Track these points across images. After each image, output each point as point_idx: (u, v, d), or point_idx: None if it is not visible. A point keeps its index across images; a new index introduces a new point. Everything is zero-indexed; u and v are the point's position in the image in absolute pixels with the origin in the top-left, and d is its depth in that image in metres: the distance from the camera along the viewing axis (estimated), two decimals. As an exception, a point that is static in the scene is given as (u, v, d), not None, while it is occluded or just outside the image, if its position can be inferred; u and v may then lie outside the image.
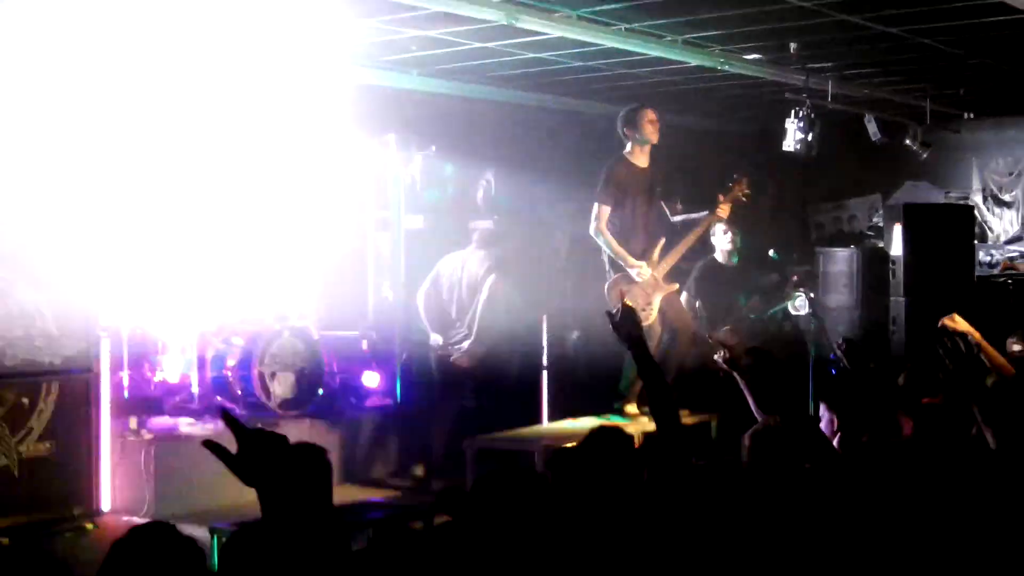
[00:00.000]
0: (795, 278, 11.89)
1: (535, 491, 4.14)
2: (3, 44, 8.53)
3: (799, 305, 10.53)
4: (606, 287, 9.84)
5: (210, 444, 3.05)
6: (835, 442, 6.03)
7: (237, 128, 10.93)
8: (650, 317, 9.75)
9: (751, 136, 14.44)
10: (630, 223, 9.87)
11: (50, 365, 8.92)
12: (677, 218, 10.22)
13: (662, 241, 9.93)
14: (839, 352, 6.42)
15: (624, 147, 9.93)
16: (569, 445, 4.79)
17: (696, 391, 10.29)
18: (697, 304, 11.33)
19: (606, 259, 9.90)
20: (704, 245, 11.21)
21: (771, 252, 11.91)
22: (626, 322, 5.02)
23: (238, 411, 10.42)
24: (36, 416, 8.83)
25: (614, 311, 5.14)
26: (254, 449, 3.07)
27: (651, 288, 9.78)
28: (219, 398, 10.85)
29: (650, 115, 9.84)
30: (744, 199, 10.24)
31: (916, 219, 12.02)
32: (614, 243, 9.74)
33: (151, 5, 8.83)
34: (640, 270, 9.74)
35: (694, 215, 10.23)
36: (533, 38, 9.86)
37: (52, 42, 8.77)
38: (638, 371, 4.76)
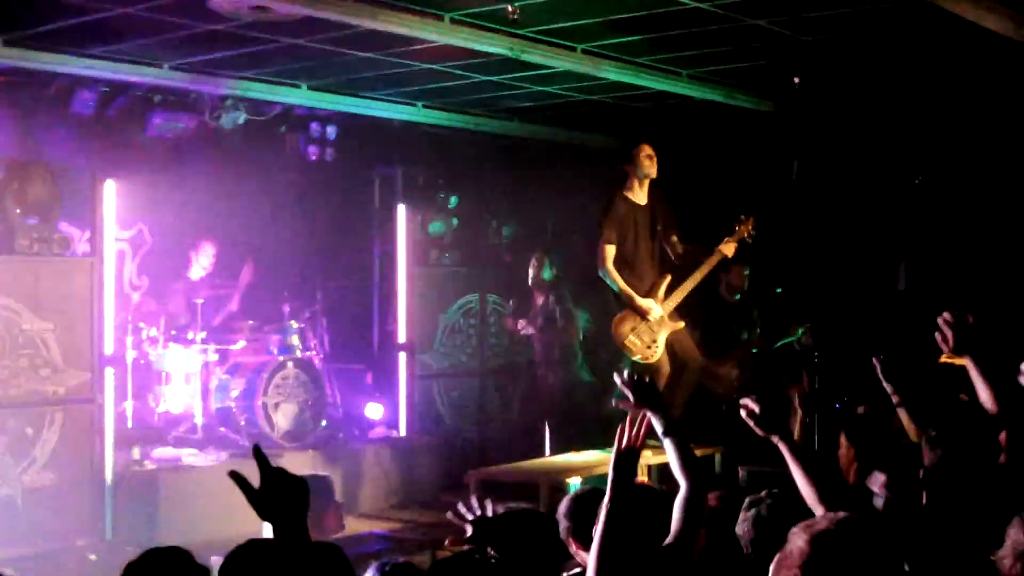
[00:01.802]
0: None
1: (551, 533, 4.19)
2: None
3: (804, 341, 10.53)
4: (613, 323, 9.83)
5: (235, 475, 3.11)
6: (851, 473, 6.00)
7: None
8: (655, 355, 9.74)
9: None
10: (633, 260, 9.87)
11: (54, 395, 8.95)
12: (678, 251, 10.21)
13: (668, 278, 9.92)
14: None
15: (624, 184, 9.92)
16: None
17: (699, 423, 10.29)
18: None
19: (611, 296, 9.89)
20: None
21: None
22: (646, 393, 4.88)
23: (241, 441, 10.44)
24: (40, 446, 8.85)
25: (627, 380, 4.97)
26: (275, 487, 3.12)
27: (658, 325, 9.76)
28: (222, 429, 10.87)
29: (646, 150, 9.83)
30: (749, 240, 10.23)
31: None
32: (620, 282, 9.71)
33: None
34: (650, 310, 9.71)
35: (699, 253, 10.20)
36: (538, 72, 9.90)
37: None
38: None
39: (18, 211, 9.08)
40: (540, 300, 12.06)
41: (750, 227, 10.18)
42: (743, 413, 4.67)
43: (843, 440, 6.40)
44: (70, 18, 8.36)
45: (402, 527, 10.23)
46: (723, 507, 4.95)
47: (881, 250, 11.67)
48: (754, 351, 11.35)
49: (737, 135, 12.29)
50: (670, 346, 9.87)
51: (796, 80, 10.29)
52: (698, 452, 9.67)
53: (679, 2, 7.99)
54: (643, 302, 9.70)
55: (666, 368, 9.84)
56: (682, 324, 9.94)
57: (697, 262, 10.07)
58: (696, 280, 10.05)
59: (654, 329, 9.74)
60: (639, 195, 9.86)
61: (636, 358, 9.67)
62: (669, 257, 10.12)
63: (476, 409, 12.48)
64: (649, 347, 9.70)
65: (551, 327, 11.97)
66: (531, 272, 12.05)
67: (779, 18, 8.46)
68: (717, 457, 10.48)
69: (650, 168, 9.79)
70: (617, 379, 4.82)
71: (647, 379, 4.86)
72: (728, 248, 10.02)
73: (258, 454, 3.18)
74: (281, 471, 3.16)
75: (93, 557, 8.92)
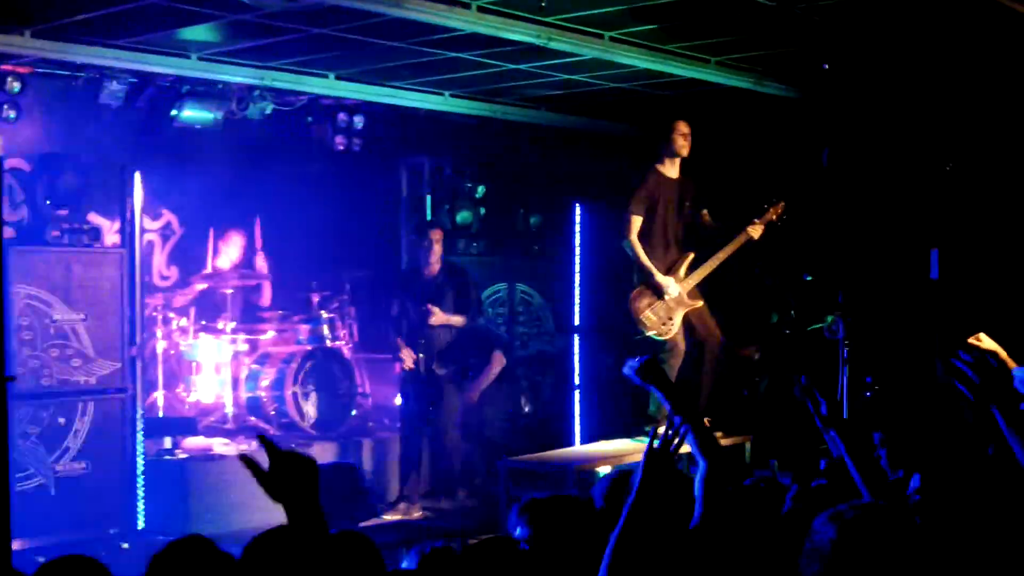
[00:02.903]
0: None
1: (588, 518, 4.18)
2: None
3: (834, 328, 10.48)
4: (631, 296, 9.78)
5: (245, 459, 3.13)
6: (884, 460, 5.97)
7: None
8: (671, 332, 9.69)
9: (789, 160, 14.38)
10: (659, 235, 9.82)
11: (86, 385, 8.98)
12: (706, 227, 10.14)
13: (690, 256, 9.86)
14: None
15: (656, 159, 9.89)
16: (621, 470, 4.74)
17: (729, 412, 10.26)
18: None
19: (634, 270, 9.83)
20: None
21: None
22: (649, 370, 4.87)
23: (271, 432, 10.46)
24: (72, 436, 8.89)
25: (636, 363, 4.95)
26: (284, 468, 3.13)
27: (675, 303, 9.69)
28: (252, 418, 10.90)
29: (682, 128, 9.80)
30: (778, 223, 10.17)
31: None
32: (643, 255, 9.65)
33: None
34: (668, 286, 9.66)
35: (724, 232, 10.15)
36: (565, 59, 9.88)
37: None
38: (672, 408, 4.62)
39: (48, 202, 9.11)
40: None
41: (780, 211, 10.12)
42: (809, 405, 4.66)
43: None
44: (97, 9, 8.38)
45: (432, 515, 10.24)
46: (758, 492, 4.92)
47: (912, 237, 11.60)
48: (786, 332, 11.30)
49: (766, 122, 12.24)
50: (688, 325, 9.82)
51: (825, 66, 10.24)
52: (727, 441, 9.75)
53: (707, -12, 7.97)
54: (662, 279, 9.64)
55: (681, 346, 9.79)
56: (701, 303, 9.87)
57: (723, 241, 10.01)
58: (719, 260, 9.97)
59: (671, 306, 9.67)
60: (670, 170, 9.83)
61: (651, 334, 9.63)
62: (694, 234, 10.07)
63: (505, 398, 12.46)
64: (664, 324, 9.65)
65: None
66: None
67: (808, 4, 8.42)
68: (747, 446, 10.45)
69: (683, 147, 9.77)
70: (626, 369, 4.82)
71: (653, 358, 4.86)
72: (755, 230, 9.96)
73: (263, 441, 3.20)
74: (290, 453, 3.18)
75: (125, 546, 8.96)
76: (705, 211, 10.06)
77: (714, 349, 9.96)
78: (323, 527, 3.15)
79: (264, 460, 3.15)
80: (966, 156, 11.40)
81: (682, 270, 9.78)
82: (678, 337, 9.75)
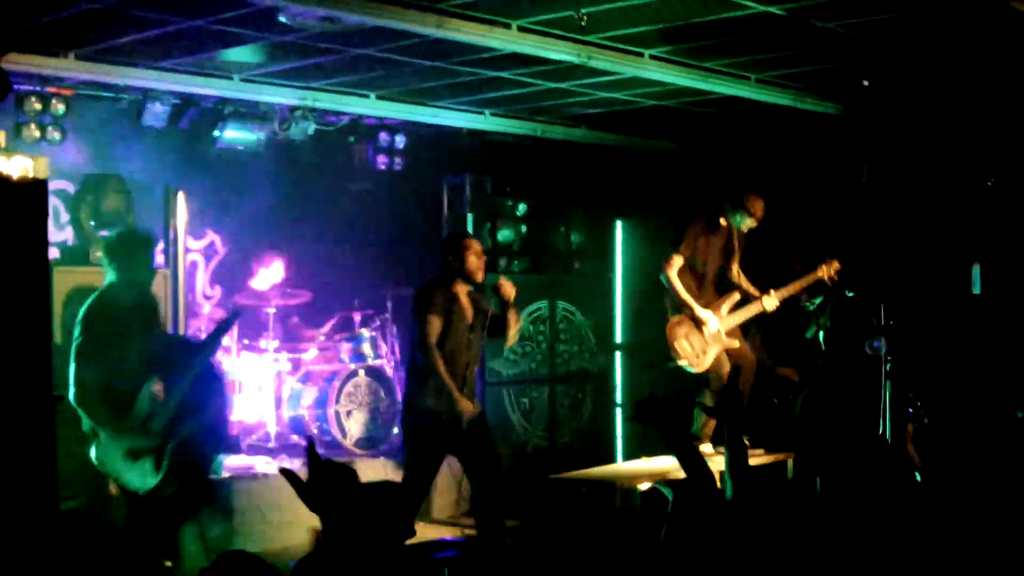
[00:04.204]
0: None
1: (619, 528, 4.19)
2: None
3: (875, 346, 10.43)
4: (669, 323, 9.77)
5: (285, 471, 3.16)
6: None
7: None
8: (703, 365, 9.67)
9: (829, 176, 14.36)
10: (701, 272, 9.81)
11: (129, 404, 9.01)
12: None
13: (736, 297, 9.84)
14: None
15: (717, 211, 9.84)
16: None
17: (772, 430, 10.22)
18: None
19: (667, 301, 9.82)
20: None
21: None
22: (654, 411, 4.92)
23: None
24: (117, 455, 8.91)
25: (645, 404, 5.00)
26: (322, 478, 3.16)
27: (712, 338, 9.67)
28: (295, 437, 10.94)
29: (758, 209, 9.77)
30: (830, 284, 10.16)
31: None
32: (682, 291, 9.59)
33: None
34: (708, 321, 9.63)
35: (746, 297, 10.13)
36: (605, 78, 9.89)
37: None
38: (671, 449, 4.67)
39: (92, 223, 9.18)
40: None
41: (833, 271, 10.08)
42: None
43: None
44: (141, 31, 8.46)
45: (474, 533, 10.24)
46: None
47: (954, 253, 11.55)
48: (822, 348, 11.27)
49: (806, 138, 12.22)
50: (722, 356, 9.77)
51: (865, 82, 10.22)
52: (768, 459, 9.74)
53: (747, 6, 7.96)
54: (702, 313, 9.59)
55: (725, 370, 9.74)
56: (737, 344, 9.83)
57: (745, 302, 9.98)
58: (750, 315, 9.96)
59: (708, 341, 9.66)
60: (723, 223, 9.81)
61: (682, 363, 9.62)
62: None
63: (547, 416, 12.46)
64: (698, 356, 9.63)
65: None
66: None
67: (848, 21, 8.41)
68: (789, 463, 10.40)
69: (747, 225, 9.77)
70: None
71: (650, 398, 4.88)
72: (769, 302, 9.88)
73: (310, 448, 3.22)
74: (329, 463, 3.19)
75: (168, 564, 8.98)
76: (736, 265, 10.03)
77: (749, 372, 9.91)
78: (360, 538, 3.17)
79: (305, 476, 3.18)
80: (1007, 171, 11.36)
81: (724, 308, 9.74)
82: (722, 368, 9.70)
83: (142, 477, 7.39)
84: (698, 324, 9.61)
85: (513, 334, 8.59)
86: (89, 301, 7.46)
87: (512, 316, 8.39)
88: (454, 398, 7.99)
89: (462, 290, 8.24)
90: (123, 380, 7.40)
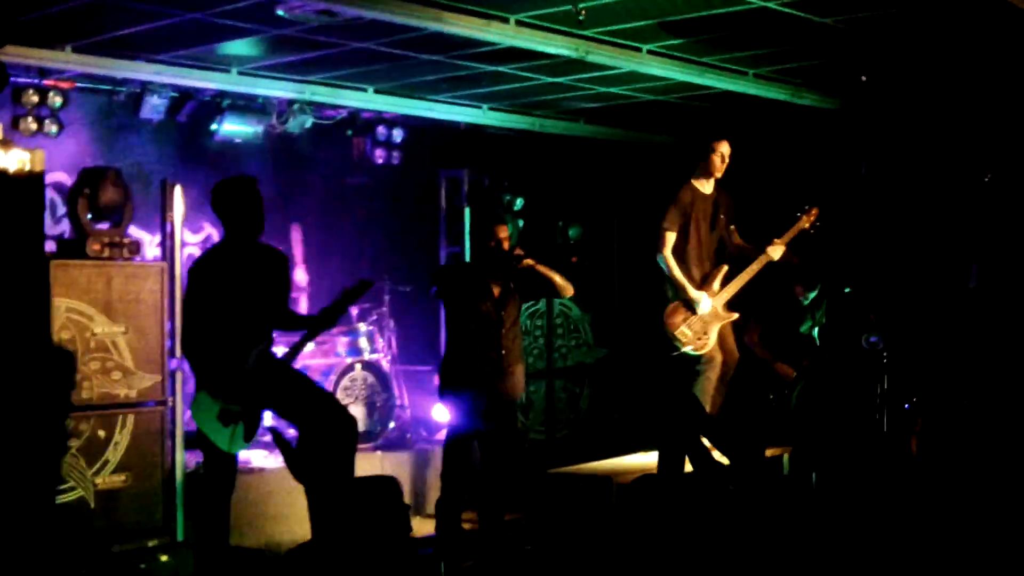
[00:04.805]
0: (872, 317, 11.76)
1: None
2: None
3: (872, 340, 10.43)
4: (665, 312, 9.75)
5: (276, 437, 3.18)
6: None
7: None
8: (707, 346, 9.64)
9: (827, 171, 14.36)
10: (694, 249, 9.77)
11: (125, 398, 9.02)
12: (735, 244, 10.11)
13: (724, 269, 9.79)
14: None
15: (692, 173, 9.84)
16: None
17: (768, 424, 10.22)
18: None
19: (667, 285, 9.79)
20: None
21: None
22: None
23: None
24: (112, 448, 8.93)
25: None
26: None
27: (710, 317, 9.65)
28: (292, 431, 10.93)
29: (722, 148, 9.71)
30: (811, 231, 10.09)
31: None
32: (677, 271, 9.60)
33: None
34: (700, 301, 9.62)
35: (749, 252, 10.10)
36: (603, 72, 9.89)
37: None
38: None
39: (89, 216, 9.16)
40: None
41: (813, 218, 10.03)
42: None
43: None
44: (138, 24, 8.46)
45: (468, 527, 10.24)
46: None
47: (951, 248, 11.56)
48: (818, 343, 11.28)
49: (804, 133, 12.23)
50: (721, 337, 9.77)
51: (863, 78, 10.21)
52: (766, 453, 9.72)
53: (746, 1, 7.96)
54: (694, 293, 9.59)
55: (719, 358, 9.74)
56: (735, 316, 9.81)
57: (748, 260, 9.96)
58: (746, 279, 9.91)
59: (706, 320, 9.63)
60: (705, 185, 9.77)
61: (687, 349, 9.60)
62: (727, 248, 10.02)
63: (544, 411, 12.47)
64: (700, 338, 9.61)
65: None
66: None
67: (846, 16, 8.41)
68: (785, 458, 10.41)
69: (719, 168, 9.70)
70: None
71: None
72: (775, 251, 9.85)
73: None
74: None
75: (165, 558, 8.99)
76: (734, 227, 10.01)
77: (730, 365, 9.90)
78: (355, 532, 3.18)
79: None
80: (1004, 167, 11.37)
81: (716, 283, 9.72)
82: (714, 351, 9.70)
83: (229, 441, 7.50)
84: (691, 306, 9.61)
85: (560, 281, 8.93)
86: (201, 256, 7.80)
87: (545, 272, 8.81)
88: None
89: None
90: (233, 339, 7.54)
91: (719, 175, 9.73)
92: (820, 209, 10.08)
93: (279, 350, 8.16)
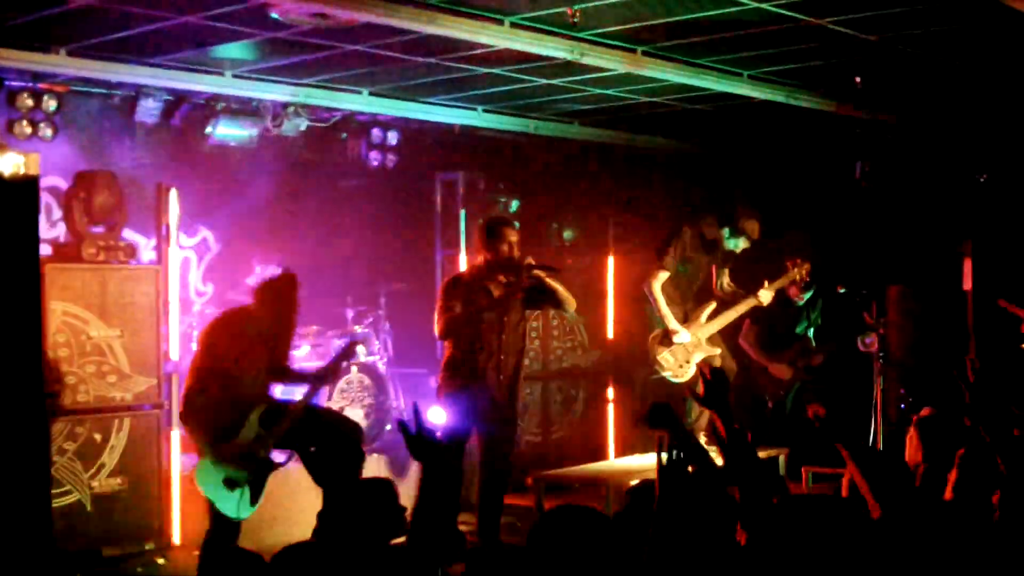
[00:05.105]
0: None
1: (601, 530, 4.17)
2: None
3: (868, 342, 10.45)
4: (650, 338, 9.95)
5: (401, 424, 3.19)
6: (919, 475, 5.96)
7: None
8: (686, 375, 9.84)
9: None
10: (685, 286, 9.95)
11: (121, 401, 9.03)
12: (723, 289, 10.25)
13: (713, 305, 10.00)
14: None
15: (703, 222, 9.93)
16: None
17: (764, 425, 10.24)
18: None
19: (648, 310, 9.97)
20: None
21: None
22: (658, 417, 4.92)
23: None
24: (108, 451, 8.94)
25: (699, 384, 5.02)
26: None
27: (693, 347, 9.83)
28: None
29: (754, 229, 9.88)
30: (800, 283, 10.31)
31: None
32: (662, 305, 9.82)
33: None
34: (679, 335, 9.79)
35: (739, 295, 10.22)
36: (598, 74, 9.89)
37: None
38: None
39: (84, 220, 9.17)
40: None
41: (804, 272, 10.21)
42: (810, 414, 4.67)
43: (913, 440, 6.34)
44: (132, 28, 8.45)
45: (465, 530, 10.24)
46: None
47: (946, 249, 11.57)
48: (813, 346, 11.31)
49: (799, 135, 12.23)
50: (705, 363, 9.85)
51: (858, 80, 10.22)
52: (762, 454, 9.72)
53: (740, 3, 7.96)
54: (674, 326, 9.77)
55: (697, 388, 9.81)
56: (719, 351, 9.99)
57: (736, 301, 10.11)
58: (732, 317, 10.13)
59: (688, 350, 9.81)
60: (711, 232, 9.90)
61: (667, 374, 9.81)
62: (719, 287, 10.20)
63: (539, 413, 12.46)
64: (681, 366, 9.83)
65: None
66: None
67: (841, 17, 8.41)
68: (781, 459, 10.43)
69: (741, 247, 9.87)
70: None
71: (659, 405, 4.89)
72: (765, 296, 10.02)
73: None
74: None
75: (161, 561, 9.00)
76: (727, 271, 10.15)
77: (729, 373, 9.97)
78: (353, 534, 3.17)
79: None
80: (999, 167, 11.38)
81: (702, 316, 9.89)
82: (693, 379, 9.78)
83: (237, 507, 7.53)
84: (670, 337, 9.77)
85: (564, 294, 8.87)
86: (215, 317, 7.73)
87: (552, 285, 8.79)
88: None
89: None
90: (234, 403, 7.57)
91: (738, 252, 9.90)
92: (811, 264, 10.25)
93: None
